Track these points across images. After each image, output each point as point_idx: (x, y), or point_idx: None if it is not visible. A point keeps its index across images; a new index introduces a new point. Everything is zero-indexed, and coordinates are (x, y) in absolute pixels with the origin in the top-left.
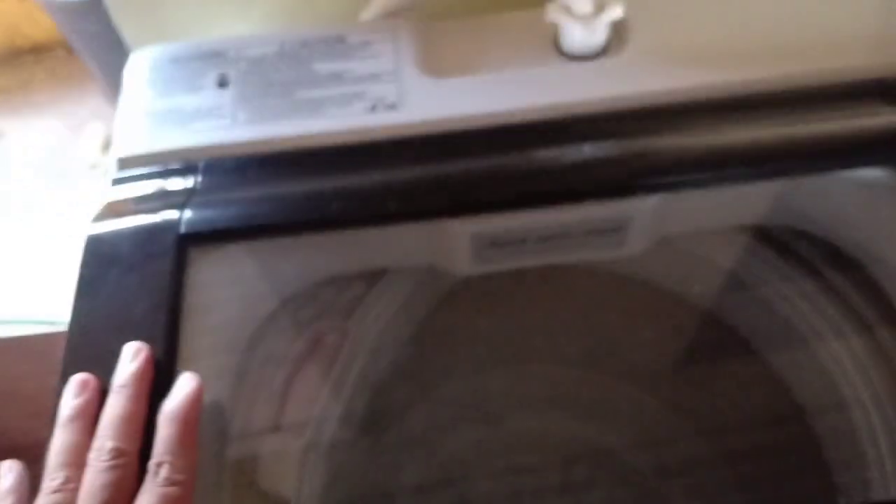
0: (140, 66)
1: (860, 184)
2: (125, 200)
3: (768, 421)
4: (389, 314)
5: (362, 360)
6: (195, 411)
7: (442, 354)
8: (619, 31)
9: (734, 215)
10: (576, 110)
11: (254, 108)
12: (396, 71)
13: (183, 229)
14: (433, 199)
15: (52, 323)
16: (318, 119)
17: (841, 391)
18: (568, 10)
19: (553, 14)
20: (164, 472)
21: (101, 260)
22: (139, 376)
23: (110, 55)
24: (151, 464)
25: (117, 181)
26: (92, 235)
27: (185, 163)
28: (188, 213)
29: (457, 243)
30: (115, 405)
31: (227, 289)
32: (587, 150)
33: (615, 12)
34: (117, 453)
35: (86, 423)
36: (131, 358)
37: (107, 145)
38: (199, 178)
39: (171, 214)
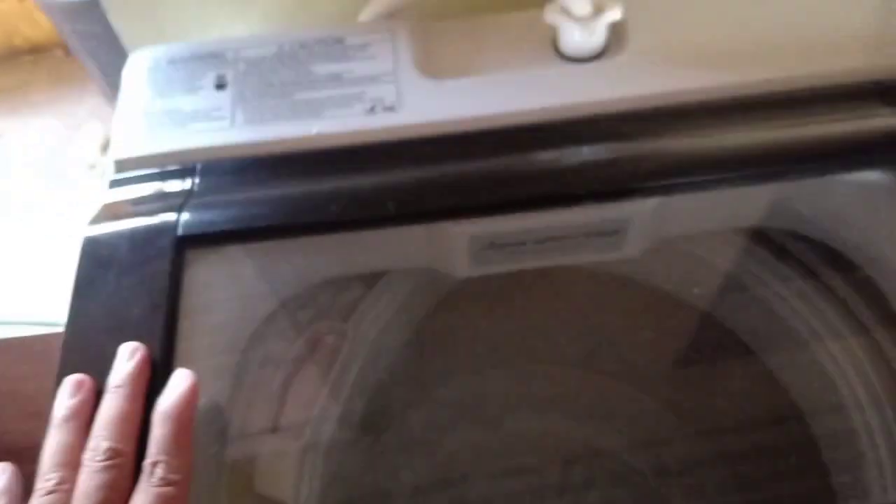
0: (138, 67)
1: (858, 186)
2: (122, 202)
3: (767, 422)
4: (388, 316)
5: (361, 361)
6: (190, 409)
7: (441, 356)
8: (617, 33)
9: (733, 218)
10: (574, 112)
11: (252, 109)
12: (395, 72)
13: (180, 231)
14: (432, 201)
15: (50, 324)
16: (316, 120)
17: (839, 392)
18: (567, 12)
19: (552, 15)
20: (159, 471)
21: (97, 262)
22: (135, 376)
23: (109, 56)
24: (146, 463)
25: (114, 183)
26: (88, 237)
27: (182, 164)
28: (185, 215)
29: (455, 245)
30: (111, 405)
31: (224, 291)
32: (586, 153)
33: (614, 14)
34: (113, 453)
35: (80, 424)
36: (128, 358)
37: (105, 145)
38: (197, 180)
39: (168, 216)
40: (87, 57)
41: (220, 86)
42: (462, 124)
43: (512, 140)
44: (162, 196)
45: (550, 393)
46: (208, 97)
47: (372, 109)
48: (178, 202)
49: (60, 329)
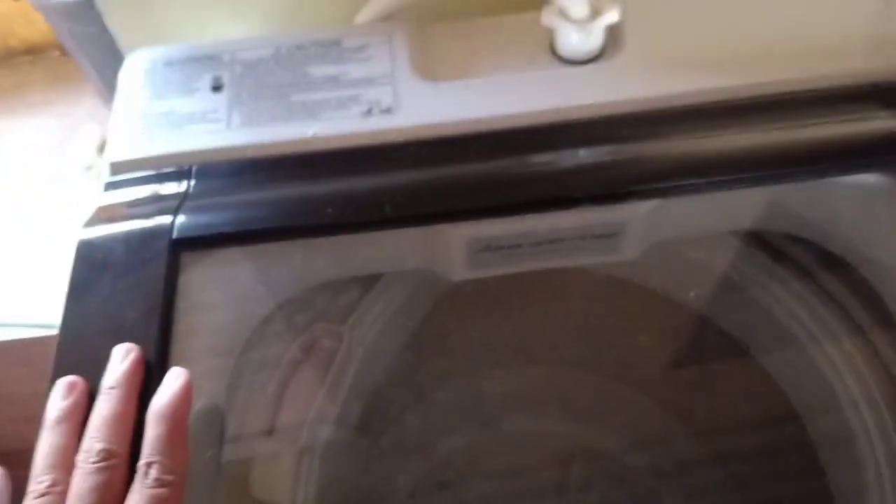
0: (134, 69)
1: (855, 188)
2: (117, 205)
3: (764, 423)
4: (385, 318)
5: (358, 363)
6: (184, 408)
7: (438, 358)
8: (615, 36)
9: (729, 220)
10: (572, 115)
11: (248, 111)
12: (392, 74)
13: (175, 234)
14: (429, 204)
15: (45, 326)
16: (313, 123)
17: (836, 394)
18: (564, 14)
19: (549, 18)
20: (153, 472)
21: (92, 265)
22: (129, 377)
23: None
24: (140, 464)
25: (109, 185)
26: (83, 240)
27: (178, 167)
28: (181, 218)
29: (452, 248)
30: (105, 406)
31: (220, 294)
32: (583, 155)
33: (611, 16)
34: (106, 455)
35: (73, 426)
36: (121, 359)
37: (102, 147)
38: (193, 183)
39: (163, 219)
40: (84, 58)
41: (217, 88)
42: (459, 127)
43: (509, 142)
44: (157, 198)
45: (548, 394)
46: (204, 99)
47: (369, 112)
48: (173, 205)
49: (56, 332)
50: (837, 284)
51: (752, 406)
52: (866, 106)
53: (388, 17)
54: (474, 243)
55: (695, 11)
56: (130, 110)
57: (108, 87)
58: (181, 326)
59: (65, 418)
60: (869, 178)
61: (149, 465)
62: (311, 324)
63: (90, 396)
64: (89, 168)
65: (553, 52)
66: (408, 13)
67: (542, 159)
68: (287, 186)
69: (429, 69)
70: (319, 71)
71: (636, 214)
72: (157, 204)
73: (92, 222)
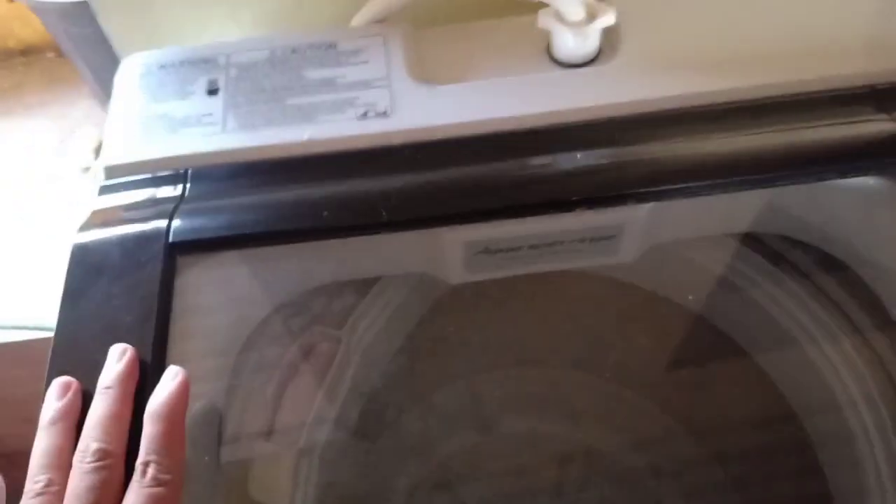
0: (130, 72)
1: (852, 190)
2: (112, 209)
3: (762, 423)
4: (382, 322)
5: (355, 366)
6: (181, 407)
7: (435, 361)
8: (611, 38)
9: (727, 223)
10: (568, 117)
11: (244, 114)
12: (388, 77)
13: (171, 238)
14: (425, 207)
15: (42, 328)
16: (308, 126)
17: (834, 394)
18: (560, 17)
19: (545, 21)
20: (150, 471)
21: (87, 269)
22: (124, 377)
23: (101, 58)
24: (138, 464)
25: (104, 189)
26: (77, 244)
27: (173, 170)
28: (177, 222)
29: (449, 251)
30: (101, 406)
31: (216, 297)
32: (580, 158)
33: (607, 19)
34: (103, 454)
35: (69, 426)
36: (117, 359)
37: (99, 148)
38: (188, 186)
39: (159, 223)
40: (80, 59)
41: (212, 91)
42: (455, 130)
43: (506, 146)
44: (153, 202)
45: (546, 396)
46: (200, 102)
47: (364, 115)
48: (169, 208)
49: (52, 334)
50: (836, 286)
51: (751, 407)
52: (865, 108)
53: (383, 20)
54: (471, 246)
55: (691, 14)
56: (126, 114)
57: (104, 89)
58: (177, 330)
59: (60, 418)
60: (868, 181)
61: (146, 464)
62: (308, 327)
63: (85, 397)
64: (86, 169)
65: (549, 55)
66: (404, 16)
67: (539, 162)
68: (283, 190)
69: (425, 72)
70: (315, 74)
71: (634, 217)
72: (153, 208)
73: (87, 226)
